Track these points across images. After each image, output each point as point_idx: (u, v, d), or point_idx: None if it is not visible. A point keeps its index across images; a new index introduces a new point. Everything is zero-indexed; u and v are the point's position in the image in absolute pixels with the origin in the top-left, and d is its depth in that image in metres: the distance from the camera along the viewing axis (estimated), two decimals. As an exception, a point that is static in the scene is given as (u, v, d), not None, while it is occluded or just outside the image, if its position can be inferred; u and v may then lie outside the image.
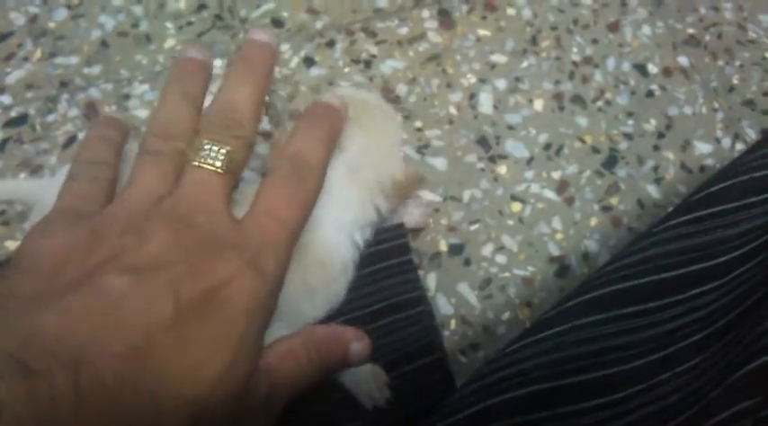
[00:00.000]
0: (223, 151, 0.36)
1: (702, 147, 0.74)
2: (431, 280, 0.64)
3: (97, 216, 0.35)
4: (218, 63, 0.72)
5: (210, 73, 0.40)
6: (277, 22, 0.76)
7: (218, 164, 0.36)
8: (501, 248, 0.66)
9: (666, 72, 0.78)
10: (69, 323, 0.29)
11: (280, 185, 0.37)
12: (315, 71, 0.73)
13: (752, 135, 0.75)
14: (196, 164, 0.36)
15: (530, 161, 0.71)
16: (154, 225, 0.33)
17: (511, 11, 0.80)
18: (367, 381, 0.55)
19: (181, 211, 0.35)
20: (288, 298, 0.51)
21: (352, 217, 0.51)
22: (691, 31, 0.82)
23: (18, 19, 0.74)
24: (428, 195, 0.68)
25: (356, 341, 0.40)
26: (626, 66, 0.78)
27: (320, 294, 0.51)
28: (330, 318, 0.57)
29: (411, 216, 0.64)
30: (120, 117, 0.42)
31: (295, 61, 0.74)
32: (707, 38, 0.81)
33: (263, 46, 0.41)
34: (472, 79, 0.75)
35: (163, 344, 0.30)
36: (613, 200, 0.70)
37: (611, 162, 0.72)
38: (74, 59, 0.72)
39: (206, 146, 0.36)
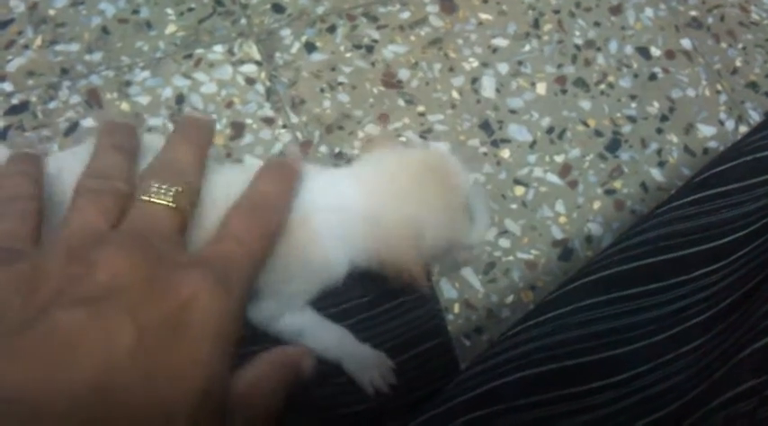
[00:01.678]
0: (172, 190, 0.35)
1: (706, 130, 0.74)
2: (434, 265, 0.64)
3: (34, 252, 0.33)
4: (218, 49, 0.72)
5: (139, 137, 0.40)
6: (278, 8, 0.75)
7: (169, 199, 0.35)
8: (504, 232, 0.66)
9: (669, 55, 0.78)
10: (22, 367, 0.27)
11: (244, 215, 0.37)
12: (316, 56, 0.73)
13: (755, 117, 0.75)
14: (146, 198, 0.34)
15: (532, 145, 0.71)
16: (102, 251, 0.31)
17: (513, -6, 0.80)
18: (369, 367, 0.55)
19: (133, 235, 0.33)
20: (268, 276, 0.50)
21: (341, 231, 0.49)
22: (693, 13, 0.81)
23: (18, 6, 0.73)
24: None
25: (304, 360, 0.38)
26: (629, 49, 0.78)
27: (298, 277, 0.50)
28: (332, 305, 0.57)
29: None
30: (34, 151, 0.41)
31: (296, 46, 0.73)
32: (710, 20, 0.81)
33: (201, 119, 0.41)
34: (474, 63, 0.75)
35: (127, 377, 0.28)
36: (617, 184, 0.70)
37: (615, 145, 0.71)
38: (74, 46, 0.72)
39: (154, 185, 0.35)
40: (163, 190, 0.35)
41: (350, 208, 0.48)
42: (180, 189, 0.35)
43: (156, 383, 0.28)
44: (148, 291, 0.30)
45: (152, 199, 0.35)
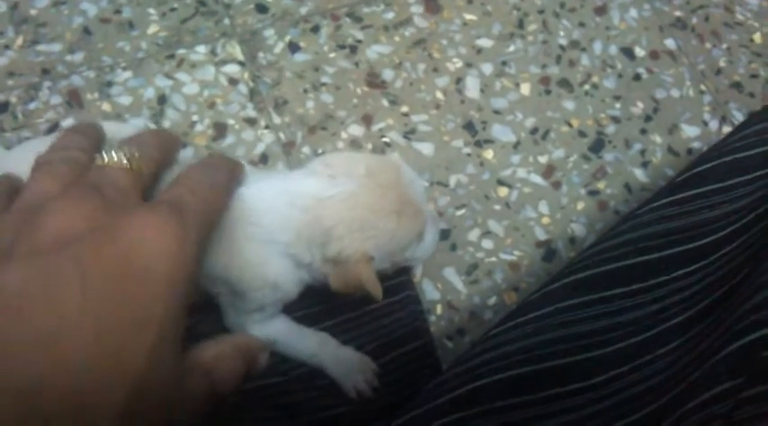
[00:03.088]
0: (128, 154, 0.35)
1: (690, 130, 0.74)
2: (417, 266, 0.64)
3: None
4: (201, 49, 0.72)
5: (102, 130, 0.41)
6: (261, 8, 0.75)
7: (124, 161, 0.35)
8: (487, 233, 0.66)
9: (653, 55, 0.78)
10: None
11: (195, 170, 0.37)
12: (300, 57, 0.73)
13: (739, 117, 0.75)
14: (100, 162, 0.35)
15: (516, 145, 0.70)
16: (50, 207, 0.31)
17: (497, -6, 0.80)
18: (353, 371, 0.55)
19: (82, 188, 0.32)
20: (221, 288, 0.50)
21: (283, 238, 0.48)
22: (678, 13, 0.81)
23: (-1, 6, 0.73)
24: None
25: (262, 353, 0.39)
26: (613, 49, 0.78)
27: (248, 298, 0.50)
28: (313, 305, 0.57)
29: None
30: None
31: (280, 47, 0.73)
32: (694, 20, 0.81)
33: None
34: (458, 63, 0.75)
35: (76, 332, 0.27)
36: (600, 184, 0.69)
37: (598, 146, 0.71)
38: (56, 46, 0.71)
39: (111, 153, 0.35)
40: (118, 155, 0.35)
41: (302, 224, 0.47)
42: (136, 154, 0.36)
43: (107, 342, 0.28)
44: (96, 239, 0.29)
45: (107, 163, 0.35)
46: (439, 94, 0.73)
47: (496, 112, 0.72)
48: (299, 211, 0.46)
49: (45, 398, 0.26)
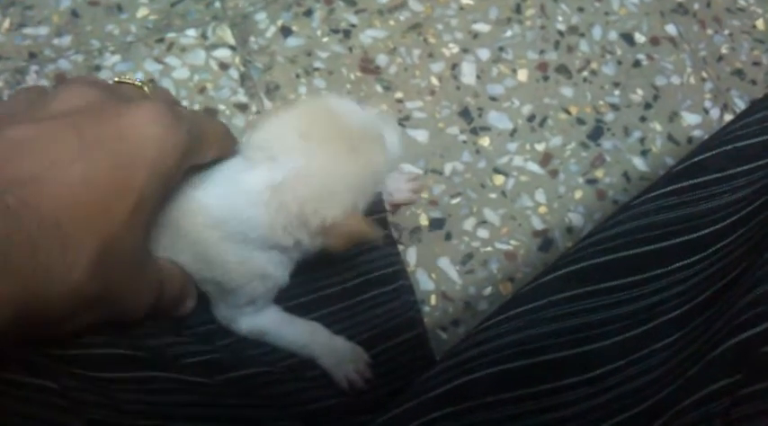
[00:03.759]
0: (138, 81, 0.42)
1: (690, 118, 0.72)
2: (411, 255, 0.62)
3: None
4: (191, 33, 0.70)
5: None
6: (253, -9, 0.74)
7: (138, 82, 0.42)
8: (483, 222, 0.65)
9: (654, 41, 0.76)
10: None
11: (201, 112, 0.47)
12: (292, 41, 0.71)
13: (741, 105, 0.74)
14: (117, 79, 0.42)
15: (513, 133, 0.69)
16: (61, 88, 0.36)
17: (495, -22, 0.78)
18: (345, 361, 0.54)
19: (97, 84, 0.37)
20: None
21: (257, 234, 0.45)
22: (679, -2, 0.80)
23: (-15, -12, 0.71)
24: (409, 168, 0.66)
25: (191, 301, 0.46)
26: (612, 35, 0.76)
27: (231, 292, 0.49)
28: (306, 294, 0.56)
29: (399, 192, 0.60)
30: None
31: (272, 31, 0.72)
32: (696, 6, 0.79)
33: None
34: (454, 49, 0.73)
35: (69, 177, 0.31)
36: (598, 173, 0.68)
37: (597, 133, 0.70)
38: (43, 30, 0.70)
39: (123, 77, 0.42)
40: (130, 78, 0.42)
41: (270, 217, 0.45)
42: (146, 83, 0.42)
43: (94, 193, 0.32)
44: (97, 115, 0.34)
45: (121, 79, 0.42)
46: (434, 80, 0.71)
47: (493, 99, 0.71)
48: (262, 207, 0.44)
49: (25, 216, 0.29)
